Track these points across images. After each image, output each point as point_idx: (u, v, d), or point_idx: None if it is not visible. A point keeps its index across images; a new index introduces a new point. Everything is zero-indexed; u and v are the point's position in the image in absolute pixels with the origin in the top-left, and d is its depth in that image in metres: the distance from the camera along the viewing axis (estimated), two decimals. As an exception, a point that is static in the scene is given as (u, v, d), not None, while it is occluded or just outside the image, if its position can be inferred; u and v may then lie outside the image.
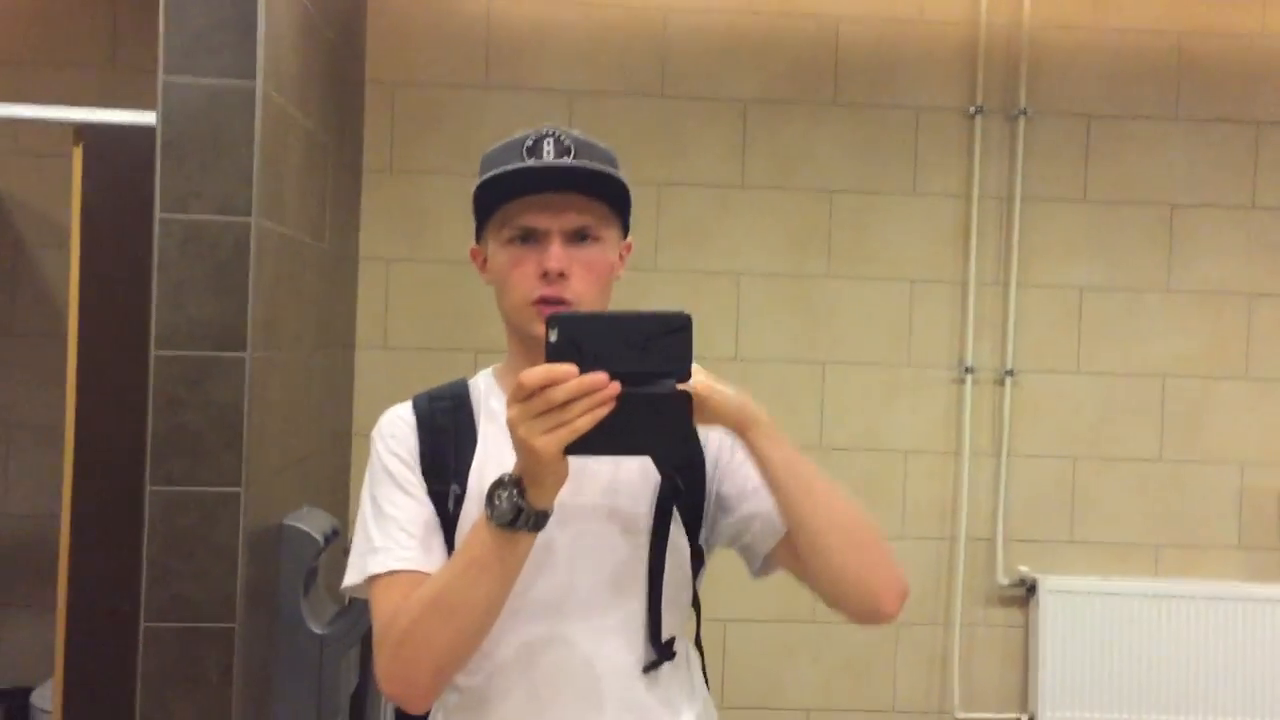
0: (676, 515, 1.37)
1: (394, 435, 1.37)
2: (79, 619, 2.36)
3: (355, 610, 2.57)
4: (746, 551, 1.42)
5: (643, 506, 1.35)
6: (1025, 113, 3.48)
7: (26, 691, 3.03)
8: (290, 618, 2.48)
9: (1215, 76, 3.52)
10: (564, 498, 1.19)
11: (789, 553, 1.35)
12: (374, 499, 1.35)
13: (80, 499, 2.34)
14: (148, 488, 2.19)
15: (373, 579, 1.30)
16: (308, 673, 2.49)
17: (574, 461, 1.13)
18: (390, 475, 1.35)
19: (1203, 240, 3.53)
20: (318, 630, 2.49)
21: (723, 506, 1.41)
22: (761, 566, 1.42)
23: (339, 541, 2.68)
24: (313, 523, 2.55)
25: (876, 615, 1.31)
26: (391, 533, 1.31)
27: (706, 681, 1.48)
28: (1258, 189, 3.53)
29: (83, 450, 2.34)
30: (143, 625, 2.19)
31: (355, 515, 1.38)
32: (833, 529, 1.30)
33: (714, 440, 1.42)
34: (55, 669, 2.39)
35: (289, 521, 2.50)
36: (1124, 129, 3.51)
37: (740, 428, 1.28)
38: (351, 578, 1.33)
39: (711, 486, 1.41)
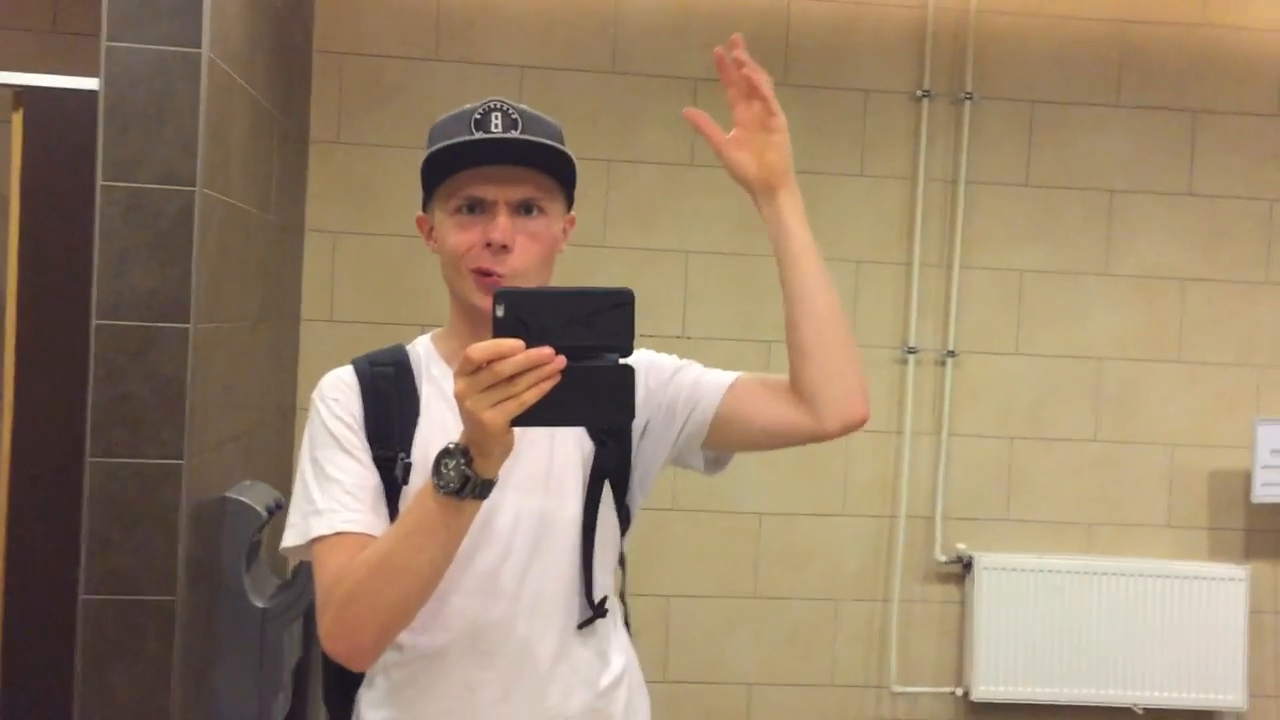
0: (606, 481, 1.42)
1: (336, 399, 1.38)
2: (16, 591, 2.33)
3: (298, 583, 2.56)
4: (691, 442, 1.45)
5: (576, 475, 1.40)
6: (971, 97, 3.52)
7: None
8: (232, 591, 2.46)
9: (1156, 65, 3.59)
10: (508, 466, 1.21)
11: (736, 408, 1.43)
12: (315, 460, 1.36)
13: (18, 470, 2.31)
14: (87, 459, 2.17)
15: (316, 540, 1.31)
16: (249, 646, 2.48)
17: (517, 432, 1.15)
18: (334, 437, 1.36)
19: (1140, 225, 3.60)
20: (260, 604, 2.49)
21: (666, 425, 1.44)
22: (709, 441, 1.44)
23: (281, 515, 2.67)
24: (255, 496, 2.53)
25: (850, 416, 1.41)
26: (336, 495, 1.32)
27: (629, 628, 1.54)
28: (1194, 176, 3.61)
29: (21, 420, 2.31)
30: (81, 598, 2.18)
31: (289, 514, 1.38)
32: (830, 319, 1.42)
33: (640, 396, 1.38)
34: (-8, 641, 2.36)
35: (231, 494, 2.49)
36: (1067, 115, 3.57)
37: (779, 183, 1.43)
38: (292, 538, 1.34)
39: (640, 443, 1.45)
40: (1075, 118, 3.58)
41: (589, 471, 1.40)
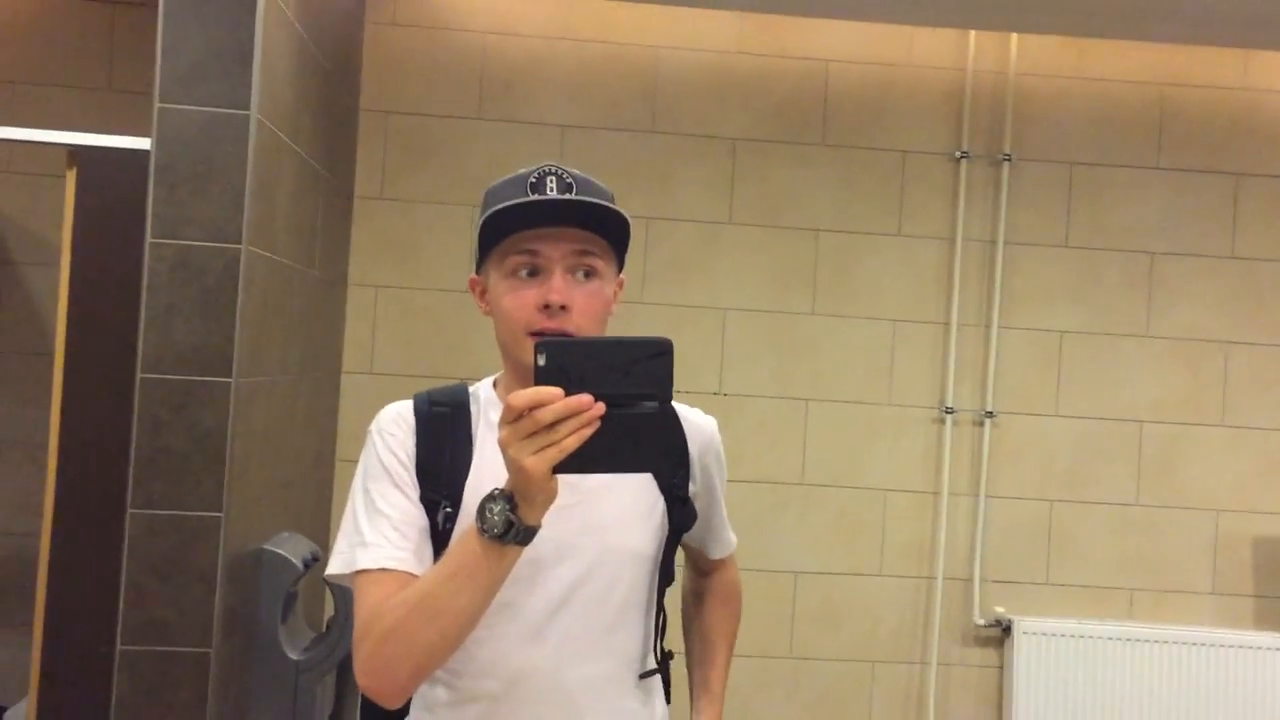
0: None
1: (393, 434, 1.40)
2: (56, 639, 2.36)
3: (332, 636, 2.57)
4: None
5: (646, 531, 1.44)
6: (1009, 158, 3.53)
7: (1, 710, 3.03)
8: (267, 643, 2.48)
9: (1196, 127, 3.58)
10: (564, 513, 1.25)
11: (692, 552, 1.69)
12: (367, 492, 1.38)
13: (61, 519, 2.35)
14: (129, 510, 2.20)
15: (360, 573, 1.33)
16: (283, 699, 2.49)
17: (575, 479, 1.18)
18: (387, 472, 1.38)
19: (1181, 288, 3.58)
20: (294, 656, 2.50)
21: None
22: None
23: (318, 567, 2.68)
24: (292, 548, 2.55)
25: None
26: (384, 530, 1.34)
27: (668, 683, 1.57)
28: (1236, 239, 3.59)
29: (65, 470, 2.35)
30: (119, 648, 2.20)
31: (336, 541, 1.39)
32: None
33: (698, 466, 1.54)
34: (30, 689, 2.38)
35: (269, 547, 2.51)
36: (1106, 176, 3.57)
37: None
38: (336, 566, 1.36)
39: (697, 504, 1.55)
40: (1114, 179, 3.57)
41: (663, 525, 1.46)
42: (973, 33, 3.53)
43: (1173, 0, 3.04)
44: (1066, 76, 3.57)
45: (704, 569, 1.73)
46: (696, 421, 1.54)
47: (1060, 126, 3.57)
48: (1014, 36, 3.53)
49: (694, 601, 1.74)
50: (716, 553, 1.67)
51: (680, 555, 1.60)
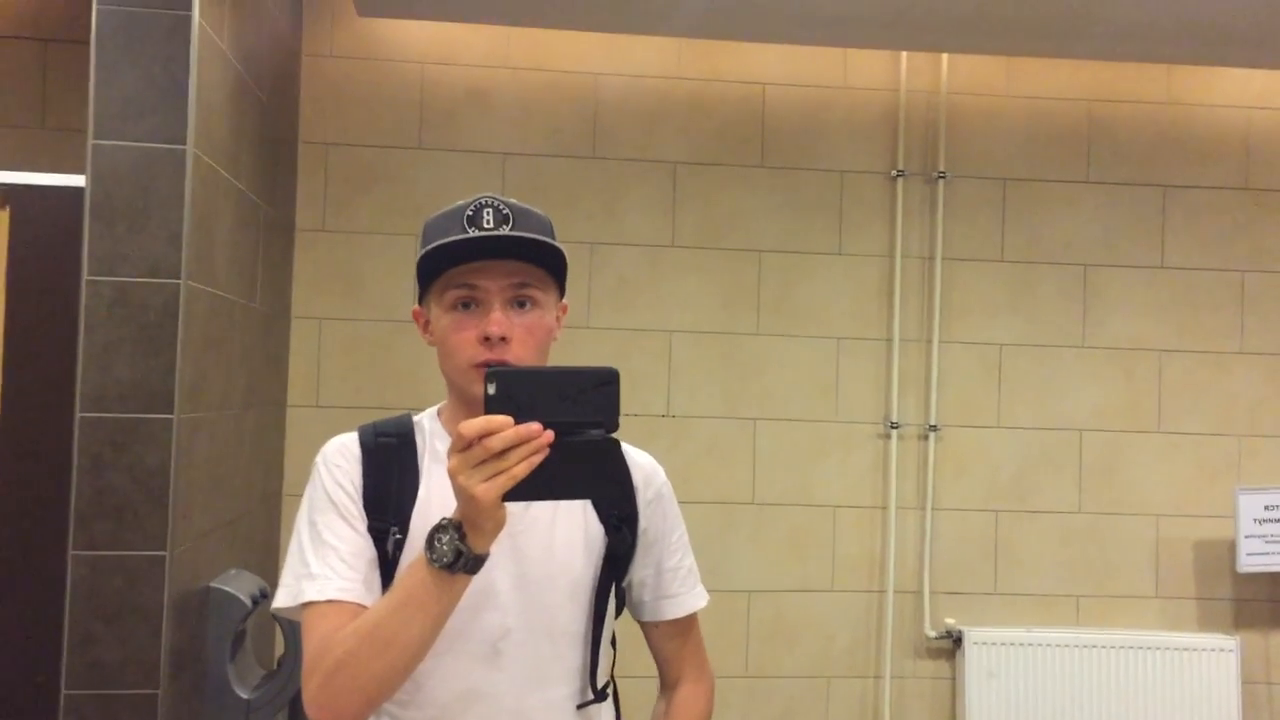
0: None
1: (339, 465, 1.40)
2: (-3, 686, 2.32)
3: (283, 674, 2.54)
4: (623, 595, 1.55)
5: (586, 560, 1.43)
6: (944, 175, 3.60)
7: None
8: (217, 683, 2.45)
9: (1124, 142, 3.68)
10: (507, 543, 1.26)
11: (653, 639, 1.59)
12: (313, 524, 1.37)
13: (2, 562, 2.31)
14: (70, 551, 2.17)
15: (308, 605, 1.32)
16: (234, 738, 2.45)
17: (518, 509, 1.18)
18: (333, 504, 1.38)
19: (1115, 298, 3.66)
20: (245, 695, 2.47)
21: (643, 557, 1.53)
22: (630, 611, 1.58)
23: (266, 604, 2.65)
24: (240, 585, 2.52)
25: None
26: (331, 561, 1.34)
27: (618, 712, 1.55)
28: (1166, 250, 3.68)
29: (4, 512, 2.31)
30: (63, 693, 2.16)
31: (282, 574, 1.39)
32: None
33: (645, 497, 1.52)
34: (-29, 739, 2.33)
35: (216, 584, 2.48)
36: (1038, 191, 3.65)
37: None
38: (284, 599, 1.35)
39: (640, 545, 1.51)
40: (1047, 194, 3.65)
41: (601, 553, 1.44)
42: (904, 54, 3.60)
43: (1095, 18, 3.12)
44: (997, 95, 3.65)
45: (670, 678, 1.60)
46: (640, 460, 1.53)
47: (992, 143, 3.64)
48: (945, 57, 3.61)
49: None
50: (669, 611, 1.55)
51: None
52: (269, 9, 2.99)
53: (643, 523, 1.50)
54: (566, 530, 1.43)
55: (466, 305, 1.38)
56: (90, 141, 2.20)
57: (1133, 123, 3.68)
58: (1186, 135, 3.69)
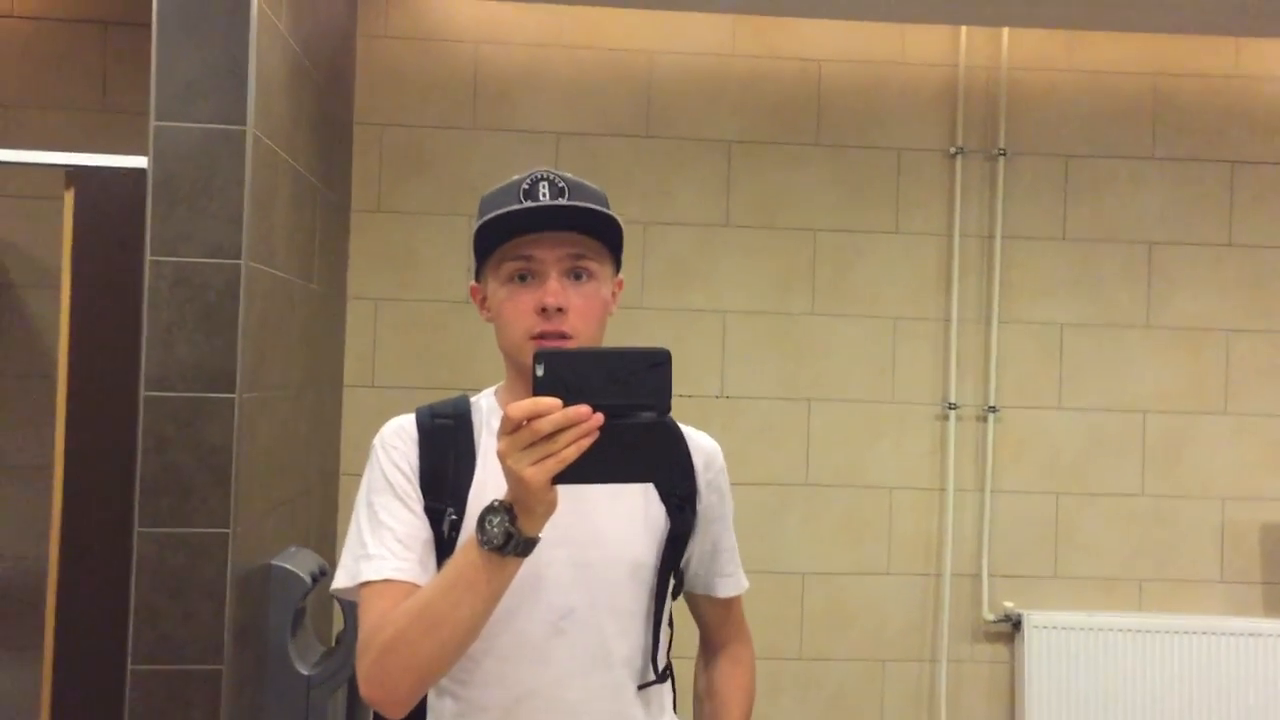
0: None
1: (396, 446, 1.41)
2: (66, 662, 2.35)
3: (342, 650, 2.57)
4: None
5: (648, 540, 1.43)
6: (1004, 153, 3.53)
7: (11, 735, 3.02)
8: (278, 659, 2.47)
9: (1190, 117, 3.59)
10: (570, 521, 1.25)
11: (700, 608, 1.61)
12: (370, 505, 1.38)
13: (68, 540, 2.34)
14: (136, 528, 2.20)
15: (364, 585, 1.33)
16: (296, 714, 2.48)
17: (576, 491, 1.17)
18: (390, 485, 1.38)
19: (1180, 277, 3.58)
20: (305, 671, 2.49)
21: (699, 538, 1.54)
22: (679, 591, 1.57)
23: (325, 581, 2.68)
24: (300, 563, 2.55)
25: None
26: (387, 542, 1.34)
27: (674, 692, 1.55)
28: (1234, 227, 3.59)
29: (71, 491, 2.34)
30: (130, 668, 2.19)
31: (341, 556, 1.40)
32: None
33: (706, 478, 1.52)
34: (41, 713, 2.37)
35: (277, 562, 2.51)
36: (1101, 168, 3.57)
37: None
38: (342, 580, 1.37)
39: (699, 524, 1.51)
40: (1110, 171, 3.57)
41: (664, 533, 1.43)
42: (964, 29, 3.54)
43: (1163, -10, 3.05)
44: (1059, 69, 3.57)
45: (714, 643, 1.63)
46: (701, 443, 1.54)
47: (1054, 120, 3.57)
48: (1005, 31, 3.54)
49: (704, 702, 1.63)
50: (723, 590, 1.58)
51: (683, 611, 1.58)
52: (325, -10, 3.00)
53: (702, 502, 1.50)
54: (627, 511, 1.42)
55: (523, 278, 1.37)
56: (152, 123, 2.21)
57: (1199, 97, 3.59)
58: (1254, 109, 3.60)
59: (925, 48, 3.55)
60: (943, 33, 3.55)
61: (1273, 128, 3.60)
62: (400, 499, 1.37)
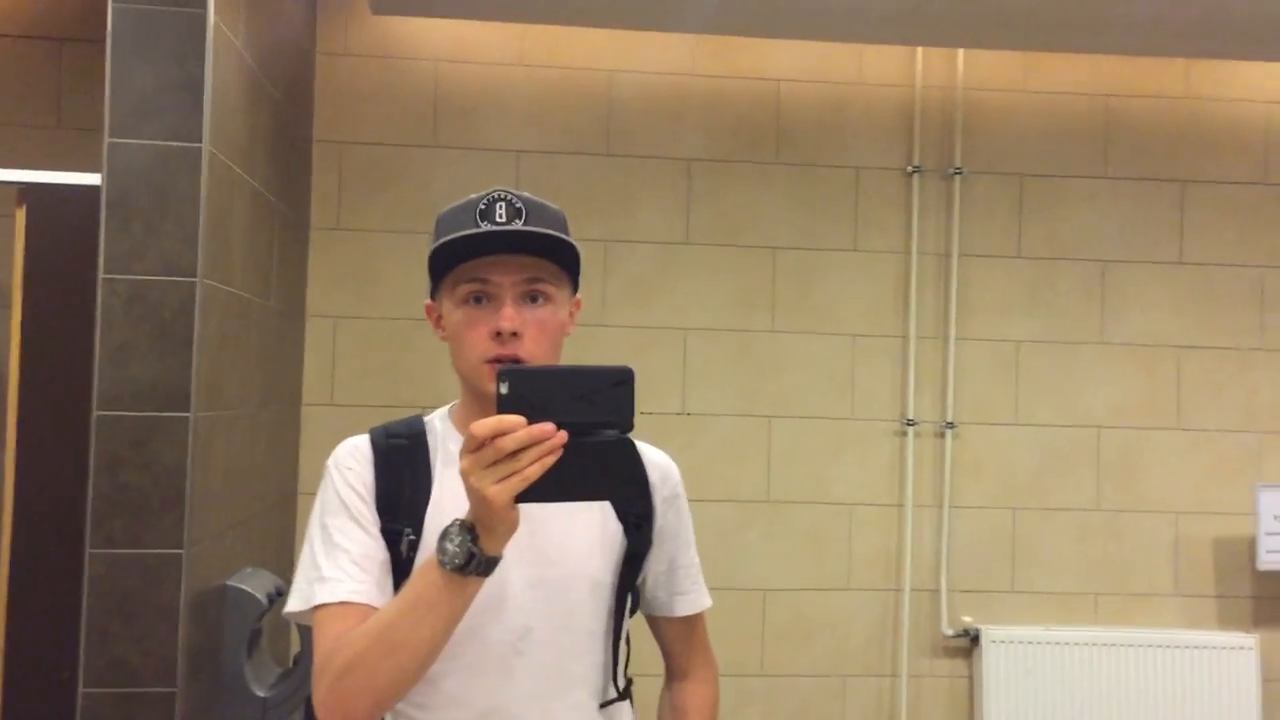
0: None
1: (350, 468, 1.40)
2: (16, 685, 2.32)
3: (299, 672, 2.54)
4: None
5: (605, 558, 1.42)
6: (961, 172, 3.58)
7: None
8: (233, 681, 2.45)
9: (1142, 137, 3.65)
10: (525, 542, 1.24)
11: (661, 630, 1.59)
12: (325, 527, 1.37)
13: (18, 562, 2.31)
14: (88, 550, 2.17)
15: (319, 607, 1.32)
16: (251, 736, 2.45)
17: (534, 508, 1.17)
18: (345, 506, 1.37)
19: (1133, 295, 3.63)
20: (261, 693, 2.47)
21: (655, 556, 1.53)
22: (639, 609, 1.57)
23: (282, 602, 2.65)
24: (256, 583, 2.52)
25: None
26: (342, 564, 1.33)
27: (634, 710, 1.54)
28: (1185, 245, 3.65)
29: (22, 512, 2.31)
30: (81, 691, 2.16)
31: (294, 578, 1.38)
32: None
33: (662, 494, 1.52)
34: (-10, 737, 2.34)
35: (232, 583, 2.48)
36: (1056, 187, 3.62)
37: None
38: (295, 604, 1.35)
39: (655, 541, 1.50)
40: (1065, 190, 3.63)
41: (621, 551, 1.43)
42: (920, 50, 3.58)
43: (1112, 12, 3.09)
44: (1014, 90, 3.62)
45: (677, 669, 1.61)
46: (656, 459, 1.53)
47: (1009, 139, 3.62)
48: (961, 52, 3.58)
49: None
50: (682, 608, 1.56)
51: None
52: (284, 7, 2.99)
53: (658, 520, 1.50)
54: (585, 529, 1.42)
55: (478, 300, 1.37)
56: (106, 140, 2.20)
57: (1151, 118, 3.66)
58: (1205, 130, 3.66)
59: (883, 68, 3.59)
60: (900, 54, 3.59)
61: (1221, 147, 3.66)
62: (355, 520, 1.36)
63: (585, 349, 3.37)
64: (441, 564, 1.17)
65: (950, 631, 3.54)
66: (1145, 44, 3.42)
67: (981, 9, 3.08)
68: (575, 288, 1.46)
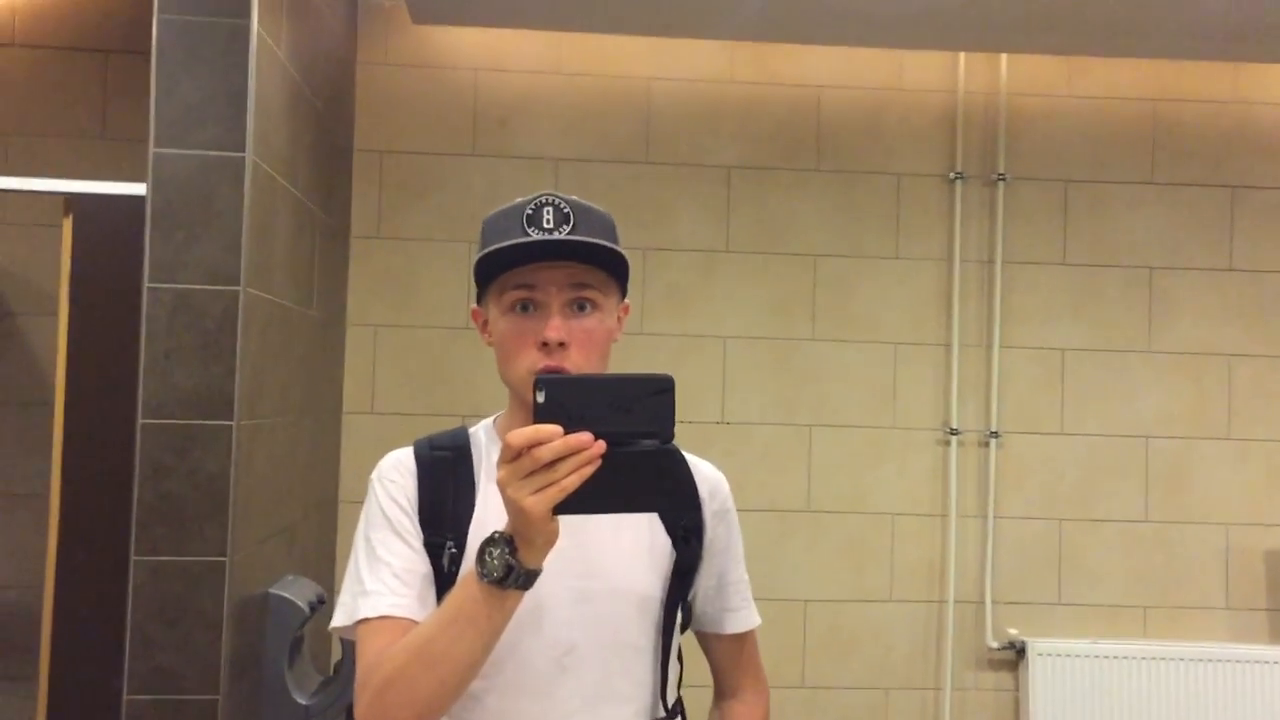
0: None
1: (393, 480, 1.39)
2: (61, 692, 2.33)
3: (340, 679, 2.54)
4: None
5: (653, 572, 1.39)
6: (1004, 178, 3.53)
7: (5, 766, 2.99)
8: (275, 688, 2.45)
9: (1189, 142, 3.59)
10: (571, 555, 1.23)
11: (710, 647, 1.56)
12: (368, 541, 1.36)
13: (64, 569, 2.33)
14: (132, 557, 2.18)
15: (361, 622, 1.31)
16: (292, 744, 2.45)
17: (576, 521, 1.15)
18: (388, 520, 1.36)
19: (1181, 302, 3.57)
20: (302, 700, 2.47)
21: (705, 570, 1.49)
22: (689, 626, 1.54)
23: (324, 610, 2.66)
24: (298, 591, 2.53)
25: None
26: (384, 578, 1.32)
27: None
28: (1234, 251, 3.59)
29: (68, 520, 2.33)
30: (125, 698, 2.17)
31: (341, 583, 1.38)
32: None
33: (711, 508, 1.48)
34: (35, 743, 2.35)
35: (274, 590, 2.49)
36: (1101, 193, 3.57)
37: None
38: (340, 619, 1.34)
39: (705, 555, 1.47)
40: (1110, 195, 3.57)
41: (669, 565, 1.40)
42: (962, 55, 3.55)
43: (1158, 15, 3.05)
44: (1058, 95, 3.58)
45: (726, 688, 1.58)
46: (706, 472, 1.50)
47: (1053, 145, 3.58)
48: (1004, 57, 3.55)
49: None
50: (731, 625, 1.53)
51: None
52: (325, 18, 3.01)
53: (708, 534, 1.47)
54: (631, 541, 1.39)
55: (525, 307, 1.35)
56: (151, 150, 2.22)
57: (1198, 122, 3.60)
58: (1254, 134, 3.60)
59: (924, 74, 3.56)
60: (941, 59, 3.56)
61: (1272, 152, 3.60)
62: (398, 534, 1.35)
63: (624, 358, 3.34)
64: (480, 577, 1.16)
65: (995, 644, 3.49)
66: (1192, 47, 3.36)
67: (1024, 12, 3.05)
68: (624, 293, 1.44)
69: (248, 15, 2.26)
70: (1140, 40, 3.28)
